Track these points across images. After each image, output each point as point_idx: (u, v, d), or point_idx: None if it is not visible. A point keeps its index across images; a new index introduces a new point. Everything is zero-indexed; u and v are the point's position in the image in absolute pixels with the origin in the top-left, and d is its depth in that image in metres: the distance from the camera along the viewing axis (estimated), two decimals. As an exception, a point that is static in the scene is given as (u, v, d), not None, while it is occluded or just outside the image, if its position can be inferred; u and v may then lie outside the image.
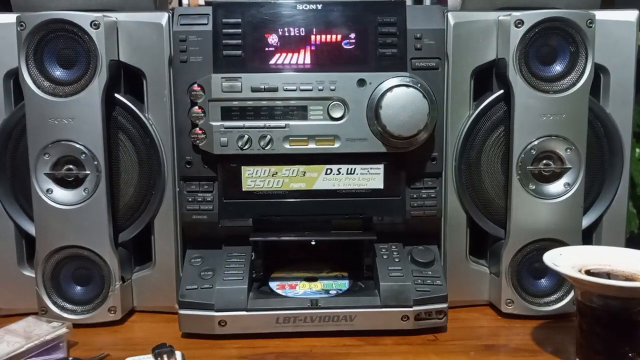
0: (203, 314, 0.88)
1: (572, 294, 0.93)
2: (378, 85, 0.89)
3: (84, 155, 0.90)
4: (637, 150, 1.42)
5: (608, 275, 0.80)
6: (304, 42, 0.91)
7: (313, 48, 0.91)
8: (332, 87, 0.90)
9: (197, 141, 0.91)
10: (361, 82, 0.90)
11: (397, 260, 0.94)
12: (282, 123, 0.90)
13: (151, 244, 0.97)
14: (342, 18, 0.91)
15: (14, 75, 0.91)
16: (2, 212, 0.96)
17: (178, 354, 0.78)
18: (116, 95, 0.92)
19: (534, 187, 0.92)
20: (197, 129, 0.90)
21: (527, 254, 0.94)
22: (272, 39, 0.90)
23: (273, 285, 0.95)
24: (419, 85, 0.89)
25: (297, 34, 0.91)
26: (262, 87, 0.90)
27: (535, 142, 0.91)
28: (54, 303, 0.93)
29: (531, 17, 0.88)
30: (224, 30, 0.90)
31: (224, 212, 0.94)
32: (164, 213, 0.95)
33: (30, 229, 0.94)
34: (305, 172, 0.93)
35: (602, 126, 0.96)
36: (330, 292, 0.93)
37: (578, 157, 0.92)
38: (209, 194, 0.94)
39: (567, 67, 0.90)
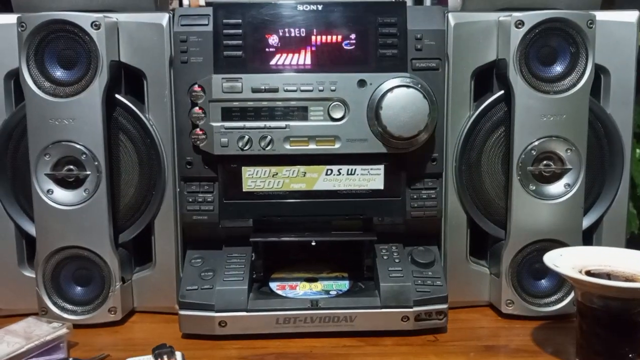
0: (203, 314, 0.88)
1: (572, 295, 0.93)
2: (378, 86, 0.89)
3: (84, 156, 0.90)
4: (638, 150, 1.42)
5: (608, 276, 0.80)
6: (304, 43, 0.91)
7: (313, 49, 0.91)
8: (333, 88, 0.90)
9: (198, 142, 0.91)
10: (362, 83, 0.90)
11: (397, 260, 0.94)
12: (282, 124, 0.90)
13: (151, 245, 0.97)
14: (343, 19, 0.91)
15: (14, 76, 0.91)
16: (2, 213, 0.96)
17: (178, 354, 0.78)
18: (117, 95, 0.92)
19: (534, 187, 0.92)
20: (198, 129, 0.90)
21: (527, 254, 0.94)
22: (273, 39, 0.91)
23: (273, 285, 0.95)
24: (420, 85, 0.89)
25: (298, 35, 0.91)
26: (263, 87, 0.90)
27: (536, 143, 0.91)
28: (54, 303, 0.93)
29: (531, 17, 0.88)
30: (225, 31, 0.90)
31: (224, 212, 0.94)
32: (164, 213, 0.95)
33: (31, 229, 0.94)
34: (305, 173, 0.93)
35: (602, 127, 0.96)
36: (331, 292, 0.93)
37: (578, 157, 0.92)
38: (209, 195, 0.94)
39: (568, 67, 0.90)
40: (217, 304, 0.88)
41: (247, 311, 0.88)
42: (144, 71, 0.92)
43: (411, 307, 0.88)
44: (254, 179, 0.93)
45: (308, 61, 0.91)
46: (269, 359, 0.83)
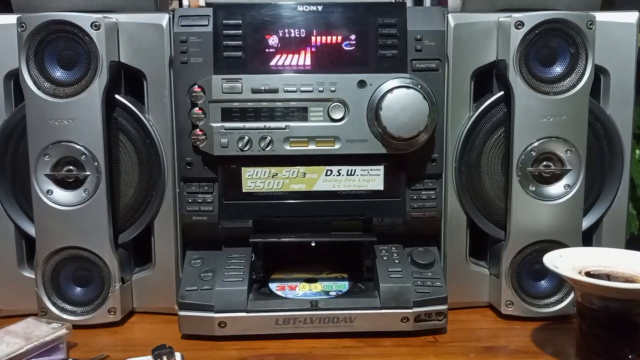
0: (203, 315, 0.88)
1: (572, 296, 0.93)
2: (378, 87, 0.89)
3: (84, 156, 0.90)
4: (637, 151, 1.42)
5: (608, 276, 0.80)
6: (304, 44, 0.91)
7: (313, 49, 0.91)
8: (333, 89, 0.90)
9: (198, 142, 0.91)
10: (361, 84, 0.90)
11: (397, 261, 0.94)
12: (282, 124, 0.90)
13: (151, 245, 0.97)
14: (343, 19, 0.91)
15: (14, 76, 0.91)
16: (2, 213, 0.96)
17: (178, 355, 0.78)
18: (116, 96, 0.92)
19: (534, 188, 0.92)
20: (198, 130, 0.90)
21: (527, 255, 0.94)
22: (273, 40, 0.91)
23: (273, 286, 0.95)
24: (419, 86, 0.89)
25: (298, 35, 0.91)
26: (263, 88, 0.90)
27: (536, 144, 0.91)
28: (54, 304, 0.93)
29: (531, 18, 0.88)
30: (225, 32, 0.90)
31: (224, 213, 0.94)
32: (164, 214, 0.95)
33: (30, 229, 0.94)
34: (305, 173, 0.93)
35: (602, 127, 0.96)
36: (330, 293, 0.93)
37: (578, 158, 0.92)
38: (209, 195, 0.94)
39: (568, 68, 0.90)
40: (216, 304, 0.88)
41: (246, 312, 0.88)
42: (144, 72, 0.92)
43: (411, 308, 0.88)
44: (254, 179, 0.93)
45: (308, 62, 0.91)
46: (268, 360, 0.84)
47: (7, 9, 0.93)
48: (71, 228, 0.91)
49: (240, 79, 0.90)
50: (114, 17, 0.91)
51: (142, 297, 0.98)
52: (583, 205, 0.93)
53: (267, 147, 0.91)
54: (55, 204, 0.91)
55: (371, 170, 0.93)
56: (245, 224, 0.94)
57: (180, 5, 1.30)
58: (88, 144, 0.89)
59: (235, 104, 0.90)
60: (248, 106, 0.90)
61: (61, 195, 0.91)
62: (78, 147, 0.89)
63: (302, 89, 0.90)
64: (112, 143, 0.93)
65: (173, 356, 0.77)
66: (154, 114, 0.93)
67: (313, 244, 0.96)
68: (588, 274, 0.79)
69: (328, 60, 0.91)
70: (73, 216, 0.91)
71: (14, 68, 0.90)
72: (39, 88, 0.88)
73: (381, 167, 0.93)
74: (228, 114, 0.90)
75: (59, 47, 0.88)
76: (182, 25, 0.91)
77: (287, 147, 0.91)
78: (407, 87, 0.88)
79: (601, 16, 0.91)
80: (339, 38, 0.91)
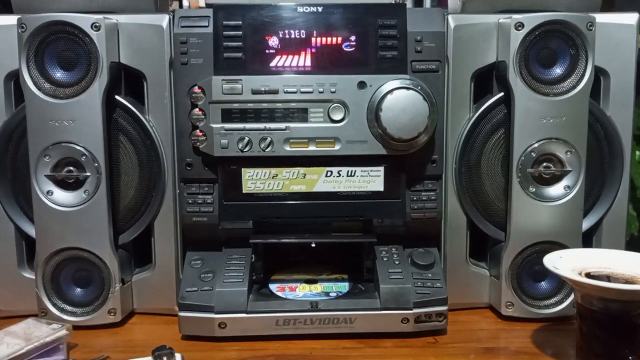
0: (203, 316, 0.88)
1: (572, 297, 0.93)
2: (378, 88, 0.90)
3: (84, 157, 0.90)
4: (637, 152, 1.42)
5: (608, 278, 0.80)
6: (304, 45, 0.91)
7: (313, 50, 0.91)
8: (333, 90, 0.90)
9: (198, 143, 0.91)
10: (361, 85, 0.90)
11: (397, 262, 0.94)
12: (282, 125, 0.90)
13: (151, 246, 0.97)
14: (343, 21, 0.91)
15: (14, 77, 0.91)
16: (2, 214, 0.96)
17: (178, 356, 0.78)
18: (117, 97, 0.93)
19: (534, 189, 0.92)
20: (198, 131, 0.90)
21: (527, 256, 0.93)
22: (273, 41, 0.91)
23: (273, 287, 0.95)
24: (419, 87, 0.89)
25: (298, 37, 0.91)
26: (263, 89, 0.90)
27: (536, 145, 0.91)
28: (54, 305, 0.93)
29: (531, 19, 0.88)
30: (225, 33, 0.90)
31: (224, 214, 0.94)
32: (164, 215, 0.95)
33: (31, 230, 0.94)
34: (305, 174, 0.93)
35: (602, 129, 0.96)
36: (330, 294, 0.93)
37: (578, 159, 0.92)
38: (209, 196, 0.94)
39: (568, 69, 0.90)
40: (216, 305, 0.88)
41: (246, 313, 0.88)
42: (144, 72, 0.92)
43: (411, 309, 0.88)
44: (254, 180, 0.93)
45: (308, 63, 0.91)
46: (268, 361, 0.84)
47: (7, 9, 0.93)
48: (71, 229, 0.91)
49: (241, 80, 0.90)
50: (114, 18, 0.91)
51: (142, 298, 0.98)
52: (583, 207, 0.93)
53: (267, 148, 0.91)
54: (56, 205, 0.91)
55: (371, 171, 0.93)
56: (245, 225, 0.94)
57: (181, 6, 1.30)
58: (88, 144, 0.89)
59: (236, 105, 0.90)
60: (248, 107, 0.90)
61: (61, 196, 0.91)
62: (78, 147, 0.90)
63: (302, 90, 0.90)
64: (113, 144, 0.93)
65: (173, 357, 0.77)
66: (154, 115, 0.93)
67: (313, 245, 0.96)
68: (588, 275, 0.79)
69: (328, 62, 0.91)
70: (73, 217, 0.91)
71: (14, 69, 0.90)
72: (39, 89, 0.88)
73: (381, 168, 0.93)
74: (228, 115, 0.90)
75: (59, 48, 0.88)
76: (182, 26, 0.91)
77: (287, 148, 0.91)
78: (407, 88, 0.88)
79: (601, 17, 0.91)
80: (339, 39, 0.91)
